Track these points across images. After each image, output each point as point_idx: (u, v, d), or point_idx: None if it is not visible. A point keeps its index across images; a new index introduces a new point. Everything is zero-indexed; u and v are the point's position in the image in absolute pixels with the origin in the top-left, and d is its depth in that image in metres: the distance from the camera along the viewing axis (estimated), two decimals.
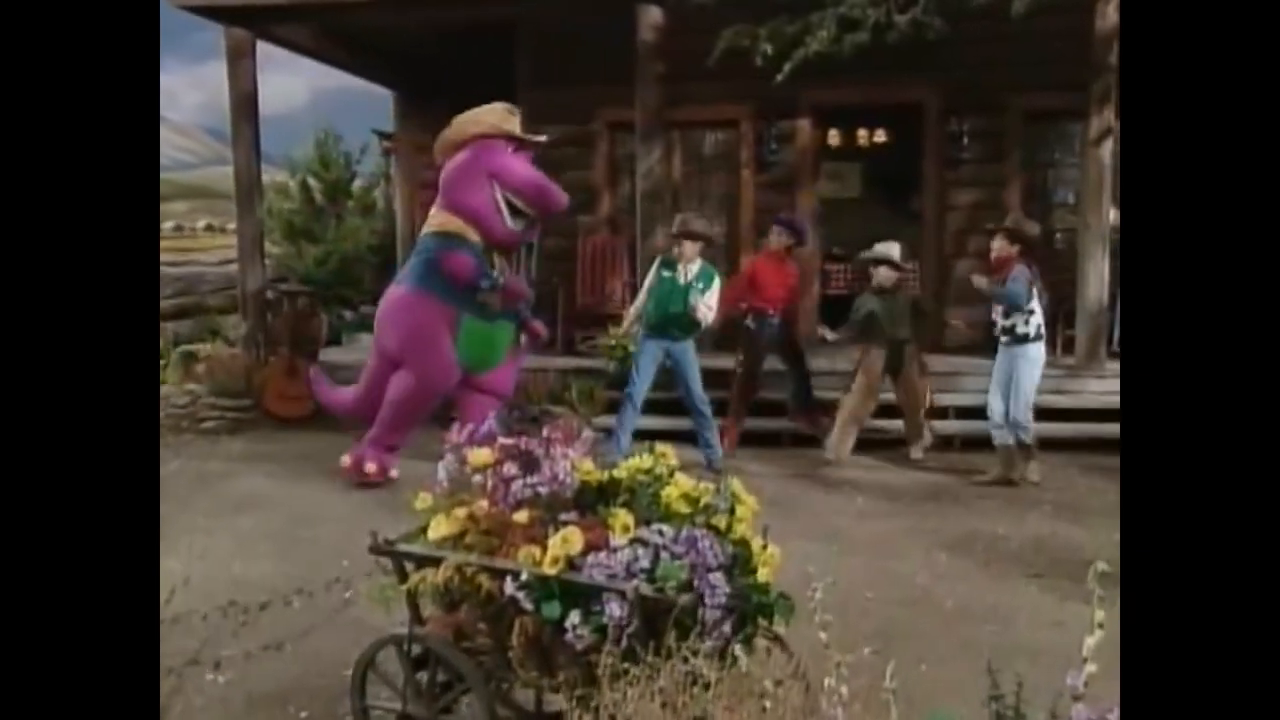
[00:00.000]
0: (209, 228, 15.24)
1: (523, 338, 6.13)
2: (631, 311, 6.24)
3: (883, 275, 6.10)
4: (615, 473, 2.51)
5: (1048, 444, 6.22)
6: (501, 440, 2.54)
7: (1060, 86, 7.61)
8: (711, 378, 6.24)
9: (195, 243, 14.37)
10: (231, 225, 13.09)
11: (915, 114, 8.78)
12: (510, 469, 2.47)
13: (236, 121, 8.18)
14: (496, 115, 5.70)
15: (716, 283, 5.96)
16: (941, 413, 6.65)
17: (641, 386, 5.98)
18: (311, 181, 12.09)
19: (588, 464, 2.52)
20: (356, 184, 12.35)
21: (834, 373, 6.75)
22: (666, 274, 5.95)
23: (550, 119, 9.17)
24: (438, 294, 5.62)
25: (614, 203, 9.29)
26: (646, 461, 2.52)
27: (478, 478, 2.53)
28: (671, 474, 2.52)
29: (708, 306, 5.83)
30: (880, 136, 10.61)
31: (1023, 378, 5.56)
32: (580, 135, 9.15)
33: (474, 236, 5.63)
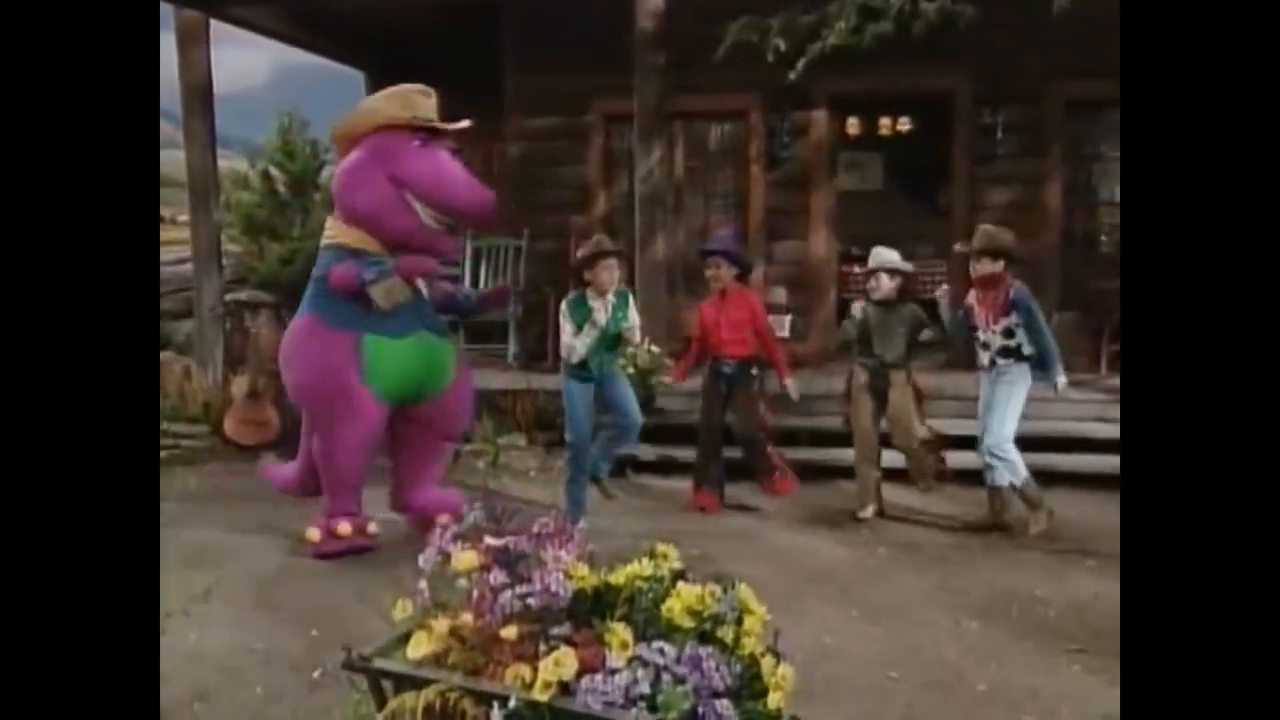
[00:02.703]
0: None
1: (455, 359, 5.54)
2: (568, 350, 5.65)
3: (884, 285, 5.86)
4: (613, 578, 2.51)
5: (1087, 481, 6.24)
6: (488, 541, 2.55)
7: (1105, 74, 7.57)
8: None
9: None
10: (184, 217, 13.09)
11: (944, 103, 8.77)
12: (498, 577, 2.47)
13: (189, 116, 8.18)
14: (398, 101, 5.21)
15: (631, 299, 5.79)
16: (966, 443, 6.66)
17: (586, 436, 5.71)
18: (274, 171, 12.05)
19: (582, 568, 2.53)
20: (325, 175, 12.31)
21: (831, 395, 6.68)
22: (579, 318, 5.57)
23: (540, 109, 9.23)
24: (327, 317, 5.17)
25: (610, 202, 9.30)
26: (647, 567, 2.52)
27: (462, 582, 2.54)
28: (675, 580, 2.52)
29: (636, 327, 5.76)
30: (904, 124, 10.61)
31: (1014, 402, 5.49)
32: (573, 128, 9.16)
33: (374, 246, 5.14)
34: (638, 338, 5.96)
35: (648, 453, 6.86)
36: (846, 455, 6.30)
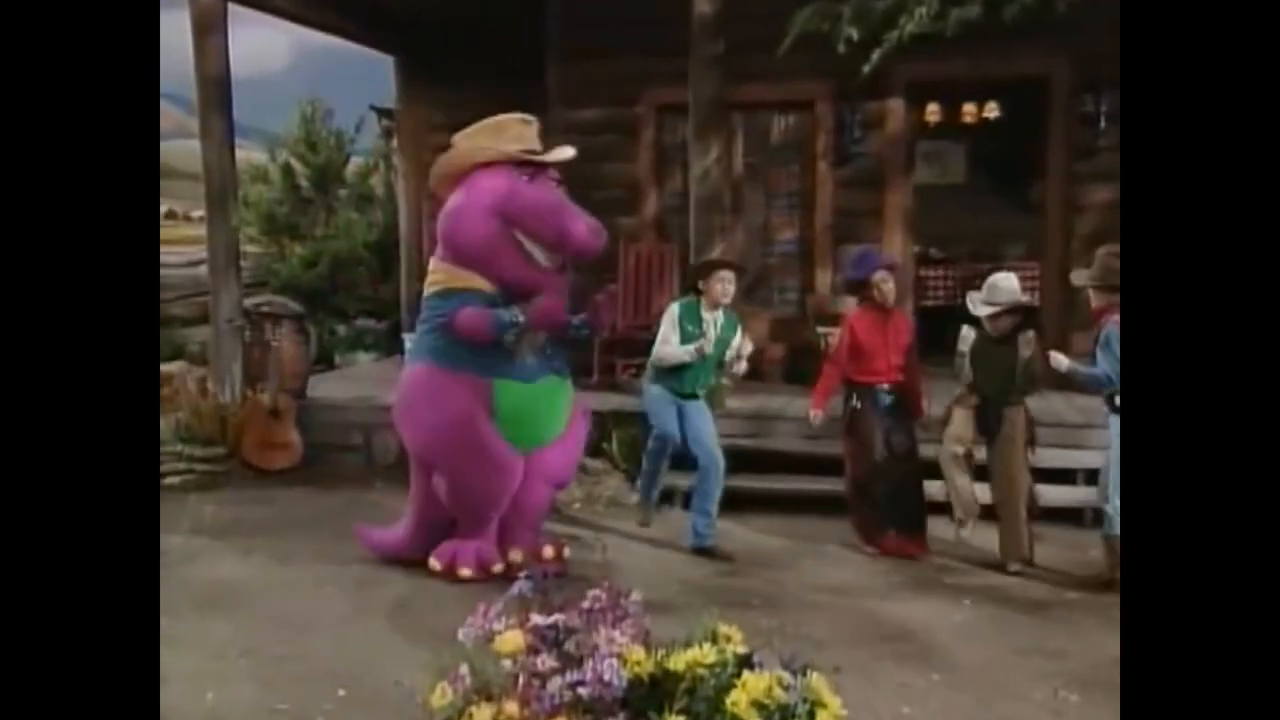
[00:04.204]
0: (170, 215, 15.53)
1: (571, 400, 5.74)
2: (658, 355, 5.97)
3: (1003, 324, 5.73)
4: (672, 664, 2.52)
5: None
6: (535, 620, 2.57)
7: None
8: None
9: None
10: (198, 213, 13.34)
11: (1038, 88, 8.65)
12: (546, 661, 2.49)
13: (205, 110, 8.30)
14: (502, 134, 5.42)
15: (740, 326, 6.10)
16: (1060, 476, 6.54)
17: (674, 434, 5.95)
18: (296, 165, 12.26)
19: (638, 651, 2.54)
20: (350, 169, 12.49)
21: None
22: (690, 328, 5.89)
23: (586, 99, 9.25)
24: (448, 364, 5.38)
25: (661, 202, 9.31)
26: (709, 653, 2.52)
27: (507, 664, 2.56)
28: (740, 667, 2.52)
29: (742, 358, 6.02)
30: (992, 111, 10.49)
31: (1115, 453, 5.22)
32: (622, 120, 9.18)
33: (484, 285, 5.37)
34: (743, 369, 6.09)
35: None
36: (929, 489, 6.23)
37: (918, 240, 9.35)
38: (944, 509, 6.11)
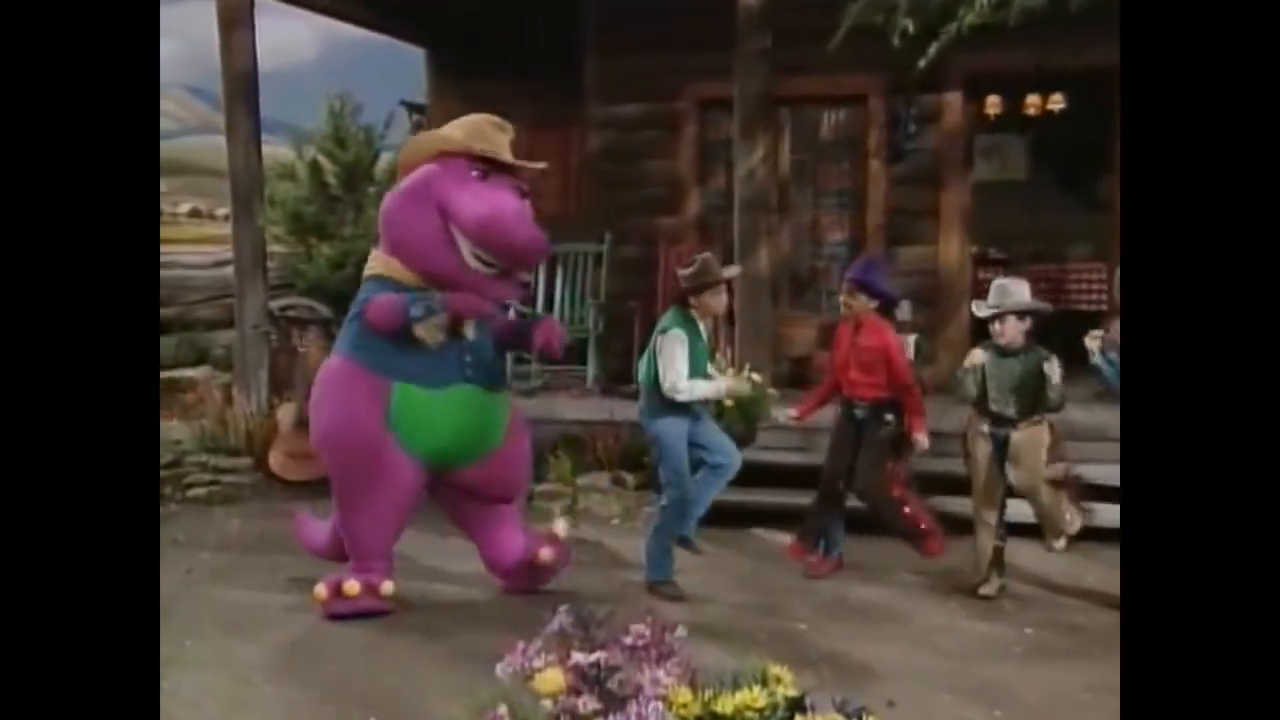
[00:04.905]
0: (194, 213, 15.81)
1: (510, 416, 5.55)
2: (689, 387, 5.65)
3: (1010, 331, 5.59)
4: (719, 707, 2.51)
5: None
6: (576, 658, 2.57)
7: None
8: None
9: (177, 231, 14.91)
10: (222, 210, 13.55)
11: (1107, 78, 8.51)
12: (588, 703, 2.49)
13: (231, 108, 8.42)
14: (466, 129, 5.39)
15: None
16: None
17: (690, 485, 5.74)
18: (323, 162, 12.36)
19: (685, 693, 2.53)
20: (380, 166, 12.57)
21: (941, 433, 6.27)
22: (699, 345, 5.75)
23: (625, 94, 9.27)
24: (362, 359, 5.28)
25: (703, 201, 9.31)
26: (759, 696, 2.52)
27: (546, 704, 2.57)
28: (791, 711, 2.51)
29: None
30: (1056, 103, 10.38)
31: None
32: (662, 115, 9.20)
33: (410, 280, 5.26)
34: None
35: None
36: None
37: (976, 240, 9.28)
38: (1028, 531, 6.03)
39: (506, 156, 5.38)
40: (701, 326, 5.79)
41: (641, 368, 5.90)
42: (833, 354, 6.17)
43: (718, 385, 5.80)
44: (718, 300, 5.79)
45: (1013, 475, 5.73)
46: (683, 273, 5.85)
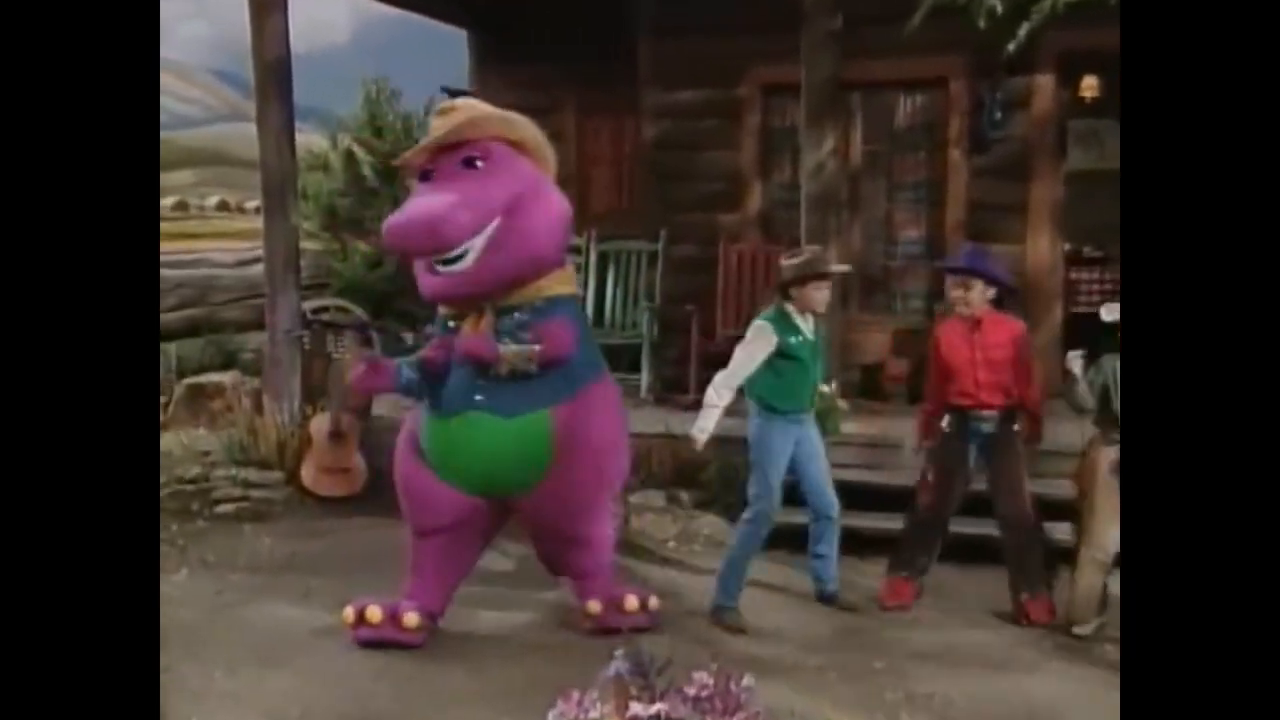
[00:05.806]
0: (222, 206, 15.94)
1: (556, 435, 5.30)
2: (716, 394, 5.59)
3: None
4: None
5: None
6: (635, 711, 2.52)
7: None
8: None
9: (204, 226, 15.04)
10: (252, 203, 13.65)
11: None
12: None
13: (263, 98, 8.46)
14: (548, 147, 5.61)
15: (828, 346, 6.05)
16: None
17: (778, 501, 5.71)
18: (359, 152, 12.41)
19: None
20: None
21: (1059, 451, 6.12)
22: (794, 339, 5.65)
23: (682, 80, 9.24)
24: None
25: (767, 195, 9.23)
26: None
27: None
28: None
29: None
30: None
31: None
32: (722, 103, 9.15)
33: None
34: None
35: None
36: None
37: (1069, 237, 9.10)
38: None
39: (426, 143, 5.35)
40: (802, 323, 5.68)
41: None
42: (940, 360, 5.89)
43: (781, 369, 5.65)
44: (820, 295, 5.69)
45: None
46: (786, 262, 5.79)
